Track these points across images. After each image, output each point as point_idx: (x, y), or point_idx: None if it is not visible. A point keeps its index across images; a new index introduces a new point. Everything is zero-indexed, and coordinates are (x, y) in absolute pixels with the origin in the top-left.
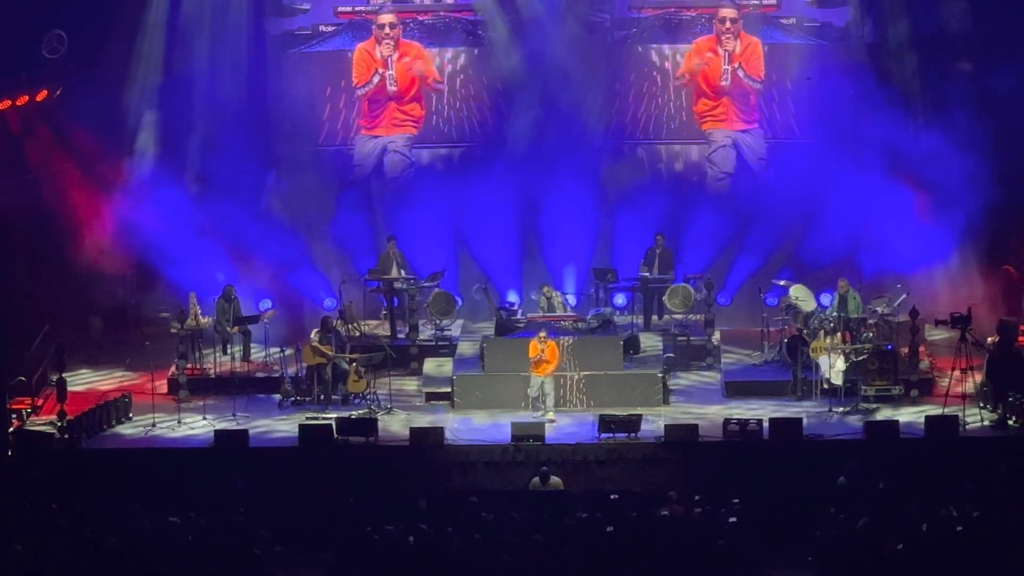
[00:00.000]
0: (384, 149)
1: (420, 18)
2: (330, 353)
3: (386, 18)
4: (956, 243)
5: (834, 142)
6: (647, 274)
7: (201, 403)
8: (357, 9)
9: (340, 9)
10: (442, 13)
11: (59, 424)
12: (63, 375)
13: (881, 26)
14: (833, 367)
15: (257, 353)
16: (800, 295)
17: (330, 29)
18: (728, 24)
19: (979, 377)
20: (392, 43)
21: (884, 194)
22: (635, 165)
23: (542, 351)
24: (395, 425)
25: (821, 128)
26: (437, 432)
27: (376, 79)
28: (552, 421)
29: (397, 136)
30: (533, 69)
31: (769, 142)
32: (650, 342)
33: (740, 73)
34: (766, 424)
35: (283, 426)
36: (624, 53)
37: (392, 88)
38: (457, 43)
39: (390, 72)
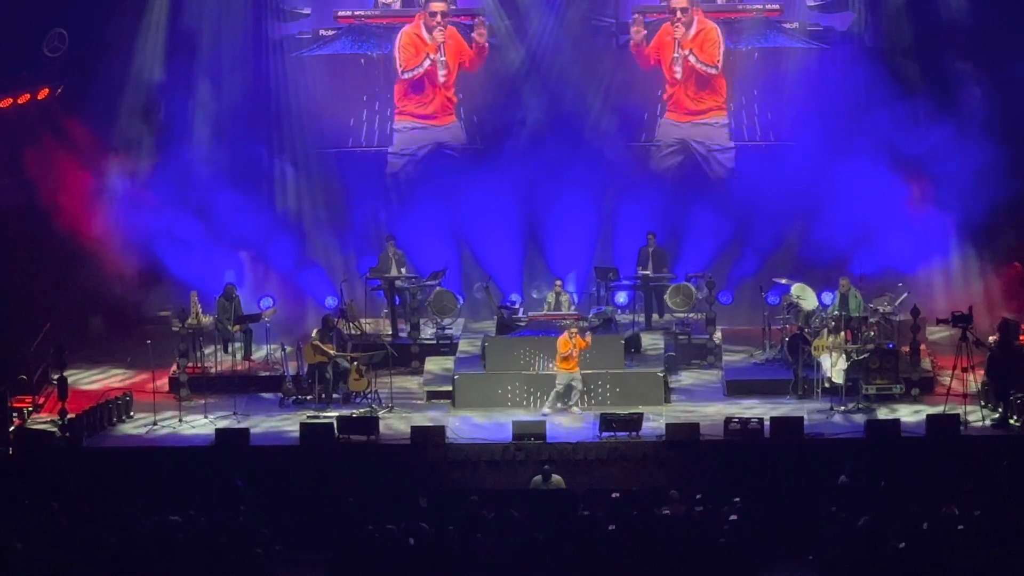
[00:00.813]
0: (439, 146)
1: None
2: (331, 352)
3: (438, 6)
4: (958, 242)
5: (837, 142)
6: (648, 273)
7: (202, 402)
8: (357, 14)
9: (340, 14)
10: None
11: (60, 422)
12: (64, 373)
13: (883, 28)
14: (834, 366)
15: (258, 352)
16: (801, 294)
17: (330, 33)
18: (679, 14)
19: (980, 376)
20: (443, 30)
21: (886, 193)
22: (637, 165)
23: (573, 346)
24: (396, 424)
25: (824, 129)
26: (438, 431)
27: (427, 63)
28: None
29: (450, 127)
30: (535, 70)
31: (772, 144)
32: (651, 341)
33: (691, 59)
34: (767, 423)
35: (284, 425)
36: (628, 56)
37: (443, 74)
38: None
39: (442, 58)
